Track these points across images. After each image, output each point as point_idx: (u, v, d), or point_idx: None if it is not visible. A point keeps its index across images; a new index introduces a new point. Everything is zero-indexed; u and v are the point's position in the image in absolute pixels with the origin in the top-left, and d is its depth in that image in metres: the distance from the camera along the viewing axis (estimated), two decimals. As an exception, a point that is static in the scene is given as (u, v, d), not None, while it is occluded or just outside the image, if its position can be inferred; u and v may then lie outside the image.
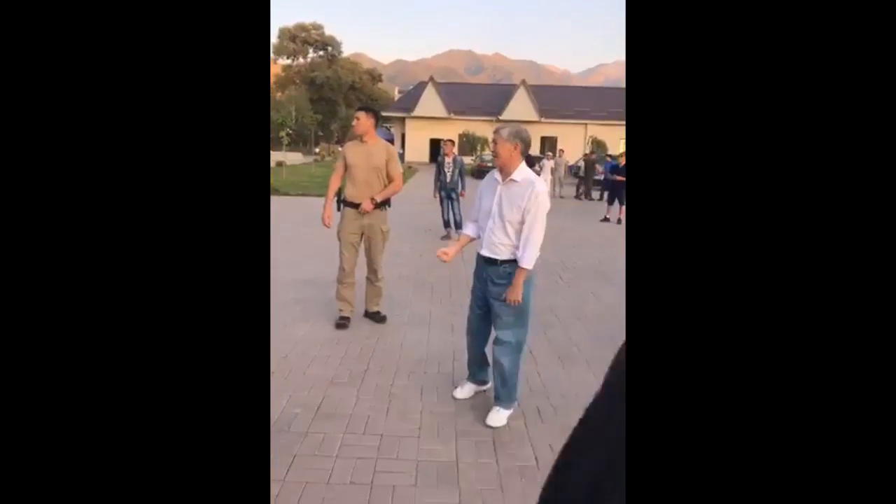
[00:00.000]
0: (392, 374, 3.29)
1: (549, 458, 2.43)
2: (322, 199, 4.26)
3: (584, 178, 16.54)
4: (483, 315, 2.81)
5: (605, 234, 9.42)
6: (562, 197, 16.43)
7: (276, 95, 53.51)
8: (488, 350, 2.86)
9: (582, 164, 17.06)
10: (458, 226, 8.06)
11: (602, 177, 14.30)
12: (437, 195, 8.86)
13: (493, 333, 2.77)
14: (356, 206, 3.91)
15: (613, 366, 0.79)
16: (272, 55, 55.27)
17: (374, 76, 64.47)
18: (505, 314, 2.66)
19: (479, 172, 19.17)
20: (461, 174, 8.50)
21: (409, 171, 23.01)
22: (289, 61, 59.98)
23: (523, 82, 37.03)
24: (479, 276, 2.78)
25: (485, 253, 2.67)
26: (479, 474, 2.30)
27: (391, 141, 27.54)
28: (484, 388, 3.05)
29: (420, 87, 38.28)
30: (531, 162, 12.65)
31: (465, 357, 3.08)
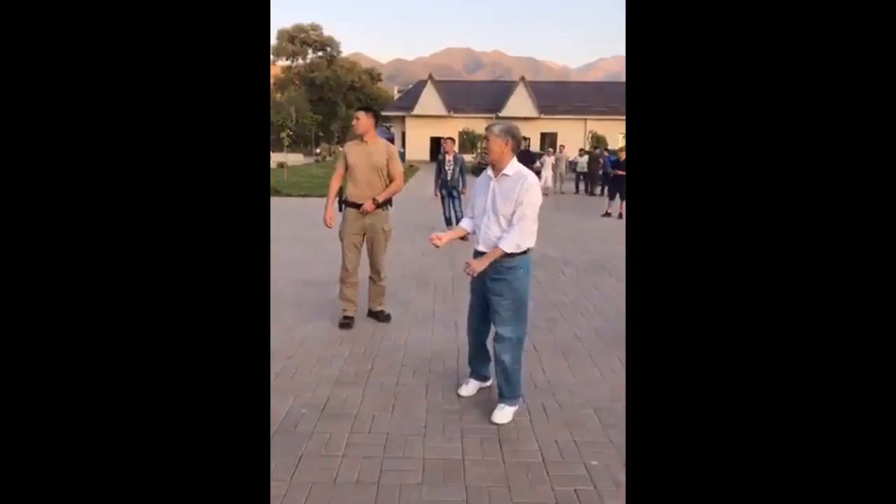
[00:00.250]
0: (396, 373, 3.29)
1: (555, 454, 2.43)
2: (323, 200, 4.26)
3: (587, 174, 16.55)
4: (482, 312, 2.82)
5: (607, 229, 9.40)
6: (563, 193, 16.40)
7: (276, 97, 53.52)
8: (489, 345, 2.87)
9: (578, 160, 17.06)
10: (460, 223, 8.05)
11: (602, 171, 14.27)
12: (438, 193, 8.87)
13: (493, 330, 2.78)
14: (358, 206, 3.91)
15: None
16: (271, 57, 55.25)
17: (374, 76, 64.40)
18: (503, 310, 2.67)
19: (480, 170, 19.01)
20: (462, 172, 8.50)
21: (410, 169, 23.00)
22: (288, 62, 59.95)
23: (522, 79, 36.95)
24: None
25: (481, 248, 2.69)
26: (485, 471, 2.30)
27: (391, 140, 27.52)
28: (487, 384, 3.05)
29: (419, 86, 38.23)
30: (532, 158, 12.66)
31: (467, 353, 3.08)
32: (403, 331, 4.04)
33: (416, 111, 36.29)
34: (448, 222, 8.47)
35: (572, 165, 17.88)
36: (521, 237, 2.57)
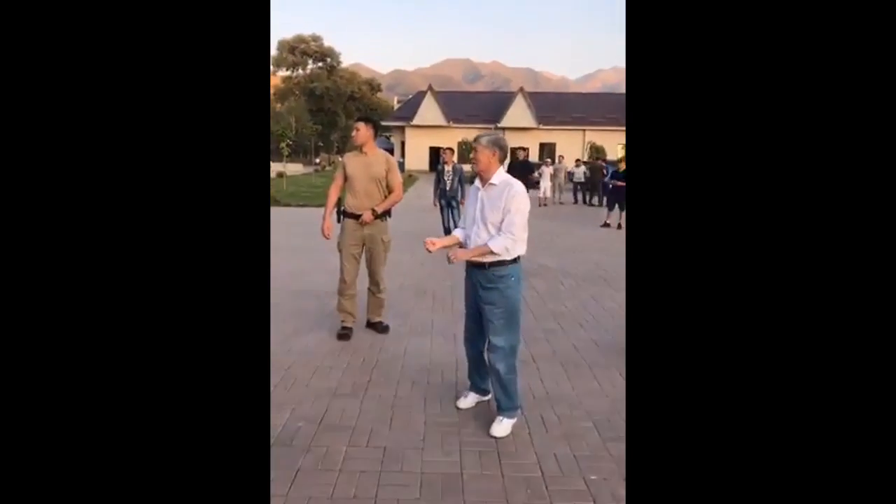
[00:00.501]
0: (395, 385, 3.27)
1: (554, 468, 2.41)
2: (322, 210, 4.25)
3: (584, 183, 16.61)
4: (477, 323, 2.84)
5: (605, 240, 9.41)
6: (561, 203, 16.43)
7: (276, 107, 53.72)
8: (486, 355, 2.87)
9: (575, 170, 17.16)
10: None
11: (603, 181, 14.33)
12: (437, 203, 8.88)
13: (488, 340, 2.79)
14: (356, 217, 3.90)
15: None
16: (272, 67, 55.56)
17: (373, 86, 64.76)
18: (495, 318, 2.69)
19: (479, 180, 19.11)
20: (461, 182, 8.52)
21: (410, 179, 23.05)
22: (288, 73, 60.29)
23: (521, 89, 37.18)
24: (469, 282, 2.84)
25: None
26: (483, 486, 2.27)
27: (390, 151, 27.58)
28: (486, 397, 3.03)
29: (419, 96, 38.45)
30: (531, 168, 12.69)
31: (467, 366, 3.06)
32: (402, 342, 4.02)
33: (416, 121, 36.45)
34: (447, 232, 8.49)
35: (570, 176, 17.95)
36: (510, 242, 2.60)
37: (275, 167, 23.63)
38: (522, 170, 10.51)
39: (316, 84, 56.88)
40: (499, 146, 2.68)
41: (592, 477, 2.35)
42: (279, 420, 2.78)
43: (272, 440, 2.59)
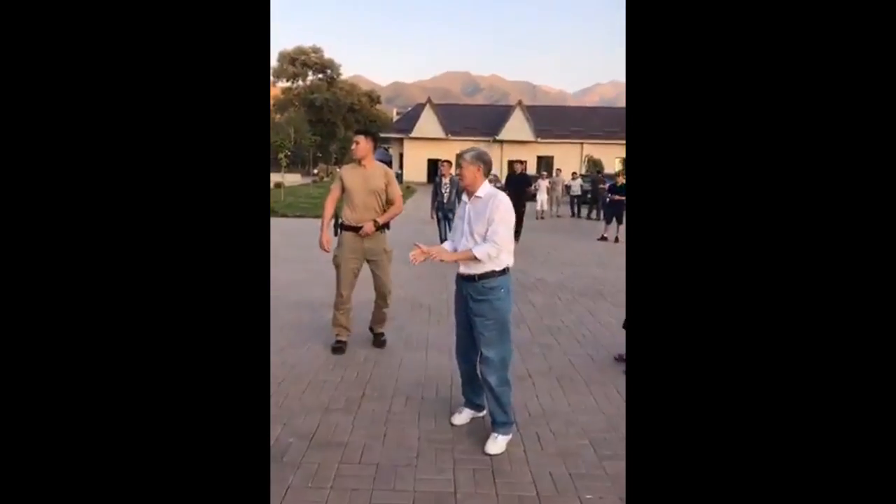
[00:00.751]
0: (389, 400, 3.23)
1: (549, 488, 2.37)
2: (319, 221, 4.24)
3: (581, 196, 16.68)
4: (469, 337, 2.83)
5: (603, 254, 9.41)
6: (559, 216, 16.46)
7: (276, 118, 53.92)
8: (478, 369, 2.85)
9: (572, 183, 17.25)
10: (456, 246, 8.06)
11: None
12: (435, 215, 8.89)
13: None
14: (355, 229, 3.89)
15: None
16: (272, 78, 55.87)
17: (373, 98, 65.13)
18: (486, 330, 2.69)
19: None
20: (458, 194, 8.53)
21: (408, 191, 23.10)
22: (288, 84, 60.61)
23: (520, 103, 37.42)
24: (459, 295, 2.84)
25: (462, 270, 2.75)
26: (477, 505, 2.23)
27: (389, 163, 27.66)
28: (481, 413, 3.00)
29: (418, 109, 38.67)
30: (528, 181, 12.73)
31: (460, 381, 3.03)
32: (397, 356, 3.98)
33: (415, 133, 36.63)
34: (444, 245, 8.48)
35: (567, 189, 18.03)
36: (494, 250, 2.61)
37: (273, 178, 23.65)
38: (519, 183, 10.53)
39: (316, 95, 57.17)
40: (483, 161, 2.73)
41: (588, 496, 2.32)
42: (271, 435, 2.74)
43: (263, 456, 2.55)
